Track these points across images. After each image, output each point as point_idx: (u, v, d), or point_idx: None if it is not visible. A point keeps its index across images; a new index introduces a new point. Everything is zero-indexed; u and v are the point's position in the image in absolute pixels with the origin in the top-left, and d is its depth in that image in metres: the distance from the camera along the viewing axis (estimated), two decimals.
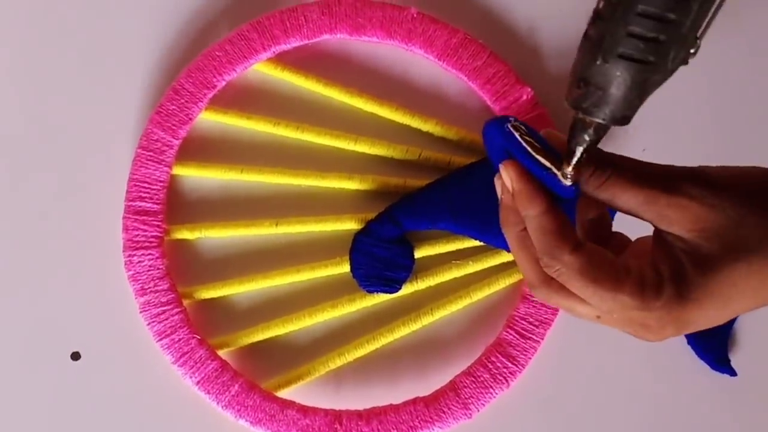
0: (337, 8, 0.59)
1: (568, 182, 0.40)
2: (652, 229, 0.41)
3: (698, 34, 0.40)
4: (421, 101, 0.60)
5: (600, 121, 0.40)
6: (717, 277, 0.39)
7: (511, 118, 0.41)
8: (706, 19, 0.40)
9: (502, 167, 0.42)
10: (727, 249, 0.39)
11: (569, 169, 0.41)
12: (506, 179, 0.42)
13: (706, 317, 0.40)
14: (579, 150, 0.41)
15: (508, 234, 0.43)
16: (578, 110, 0.41)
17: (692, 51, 0.40)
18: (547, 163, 0.40)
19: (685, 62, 0.41)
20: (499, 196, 0.44)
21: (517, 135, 0.41)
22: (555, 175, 0.40)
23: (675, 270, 0.40)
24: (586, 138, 0.41)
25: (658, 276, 0.40)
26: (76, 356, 0.59)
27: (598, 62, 0.40)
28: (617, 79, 0.39)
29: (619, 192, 0.41)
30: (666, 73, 0.40)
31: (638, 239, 0.44)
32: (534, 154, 0.40)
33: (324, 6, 0.59)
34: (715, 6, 0.40)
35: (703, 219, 0.39)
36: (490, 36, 0.60)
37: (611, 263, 0.41)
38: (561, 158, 0.40)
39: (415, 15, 0.59)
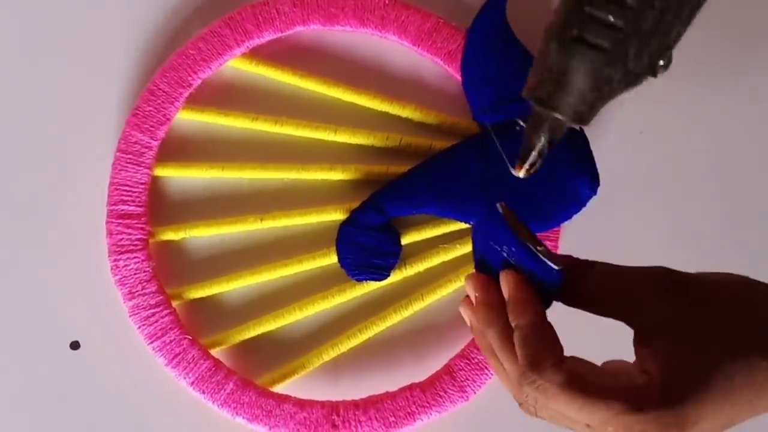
0: None
1: (556, 267, 0.39)
2: None
3: (667, 42, 0.39)
4: (399, 87, 0.60)
5: (556, 115, 0.39)
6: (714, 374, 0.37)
7: (500, 203, 0.41)
8: (674, 28, 0.38)
9: (502, 275, 0.41)
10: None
11: (521, 172, 0.41)
12: (505, 285, 0.41)
13: (711, 414, 0.37)
14: (535, 150, 0.40)
15: (489, 336, 0.41)
16: (534, 100, 0.40)
17: (662, 63, 0.39)
18: (536, 247, 0.39)
19: (652, 71, 0.39)
20: (472, 297, 0.42)
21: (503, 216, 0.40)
22: (543, 261, 0.39)
23: (665, 367, 0.38)
24: (542, 136, 0.40)
25: (648, 376, 0.38)
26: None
27: (552, 45, 0.39)
28: (572, 65, 0.38)
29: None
30: (626, 74, 0.39)
31: (610, 361, 0.41)
32: (523, 239, 0.39)
33: None
34: (682, 11, 0.38)
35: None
36: (464, 19, 0.60)
37: (598, 371, 0.39)
38: (547, 250, 0.39)
39: (387, 1, 0.59)
